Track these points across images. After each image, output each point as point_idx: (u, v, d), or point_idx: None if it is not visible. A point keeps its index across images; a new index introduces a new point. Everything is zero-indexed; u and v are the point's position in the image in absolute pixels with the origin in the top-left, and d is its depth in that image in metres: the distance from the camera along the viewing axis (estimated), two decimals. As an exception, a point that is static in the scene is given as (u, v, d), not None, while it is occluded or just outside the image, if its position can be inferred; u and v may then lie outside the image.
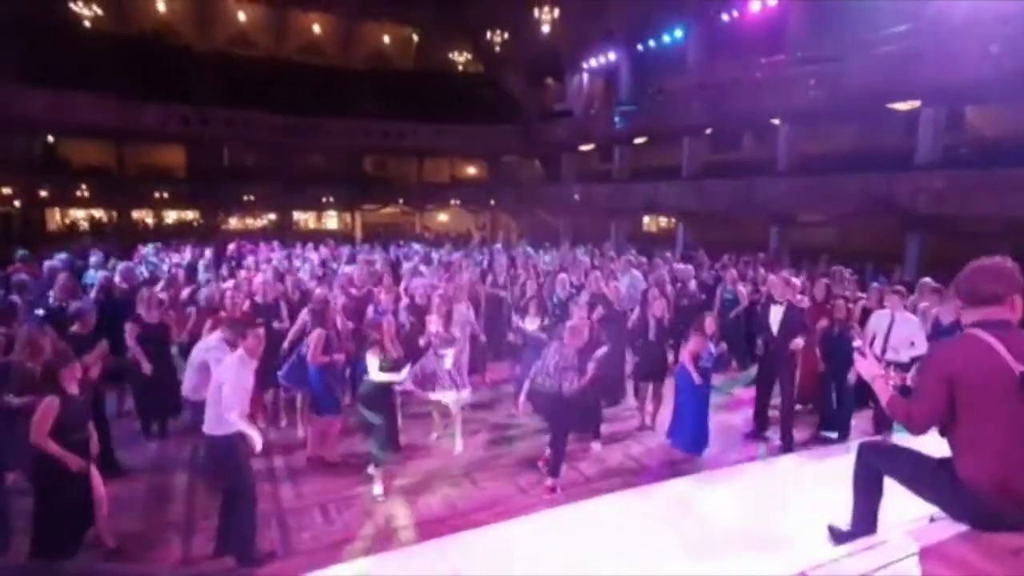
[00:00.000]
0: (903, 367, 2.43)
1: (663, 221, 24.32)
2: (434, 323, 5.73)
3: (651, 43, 20.95)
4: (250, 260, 10.49)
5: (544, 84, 27.85)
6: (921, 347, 5.28)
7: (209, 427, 3.71)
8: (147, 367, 5.43)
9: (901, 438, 2.78)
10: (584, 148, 24.51)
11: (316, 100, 23.98)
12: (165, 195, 23.39)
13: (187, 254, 12.05)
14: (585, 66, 24.40)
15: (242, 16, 27.38)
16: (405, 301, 6.84)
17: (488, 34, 27.26)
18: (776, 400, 6.02)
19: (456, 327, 6.05)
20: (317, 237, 18.25)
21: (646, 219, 24.82)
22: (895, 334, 5.49)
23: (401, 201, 27.51)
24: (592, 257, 12.24)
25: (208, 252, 11.57)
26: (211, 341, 4.80)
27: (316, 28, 28.71)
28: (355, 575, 3.23)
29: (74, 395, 3.62)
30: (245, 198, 24.39)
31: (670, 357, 6.57)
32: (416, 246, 15.66)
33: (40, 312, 5.72)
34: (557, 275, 8.04)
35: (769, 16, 16.69)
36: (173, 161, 24.73)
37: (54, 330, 4.70)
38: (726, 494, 2.61)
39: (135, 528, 4.19)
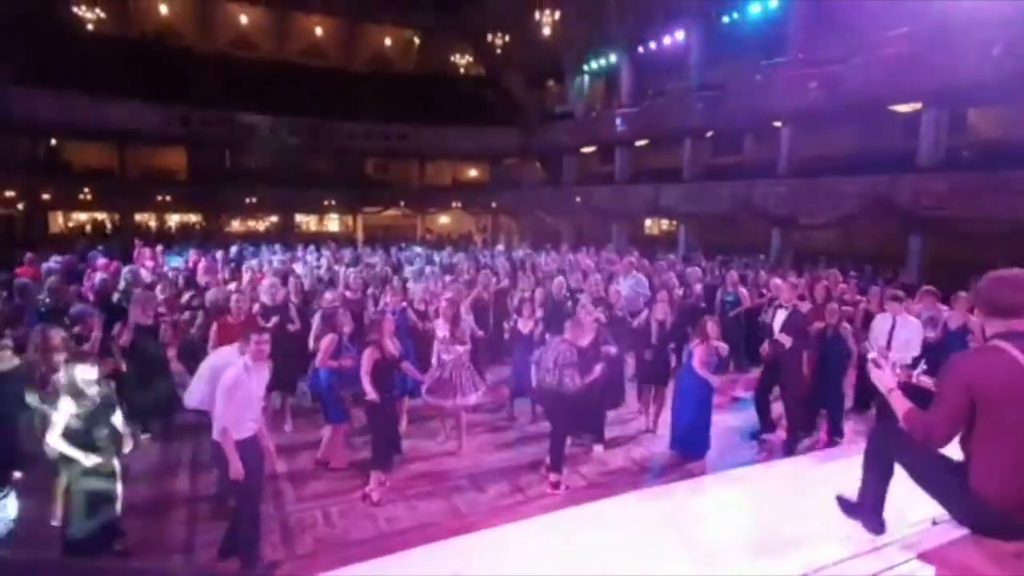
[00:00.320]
0: (907, 367, 2.40)
1: (665, 223, 24.32)
2: (441, 328, 5.69)
3: (652, 45, 20.96)
4: (253, 263, 10.50)
5: (545, 86, 27.88)
6: (917, 350, 5.28)
7: (215, 434, 3.72)
8: (121, 365, 5.37)
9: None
10: (585, 150, 24.53)
11: (318, 102, 24.02)
12: (167, 198, 23.43)
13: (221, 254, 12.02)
14: (586, 68, 24.43)
15: (244, 18, 27.47)
16: (403, 304, 6.84)
17: (489, 36, 27.30)
18: (777, 401, 6.03)
19: (463, 331, 5.99)
20: (319, 239, 18.28)
21: (648, 221, 24.82)
22: (897, 337, 5.49)
23: (402, 203, 27.53)
24: (595, 260, 12.24)
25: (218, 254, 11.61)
26: (226, 355, 4.58)
27: (318, 30, 28.78)
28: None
29: (91, 394, 3.63)
30: (247, 200, 24.42)
31: (672, 360, 6.55)
32: (418, 248, 15.68)
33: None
34: (554, 278, 8.05)
35: (770, 18, 16.70)
36: (175, 163, 24.78)
37: None
38: (728, 497, 2.60)
39: (139, 530, 4.19)
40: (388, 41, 30.37)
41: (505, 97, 28.31)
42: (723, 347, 5.56)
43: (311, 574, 3.07)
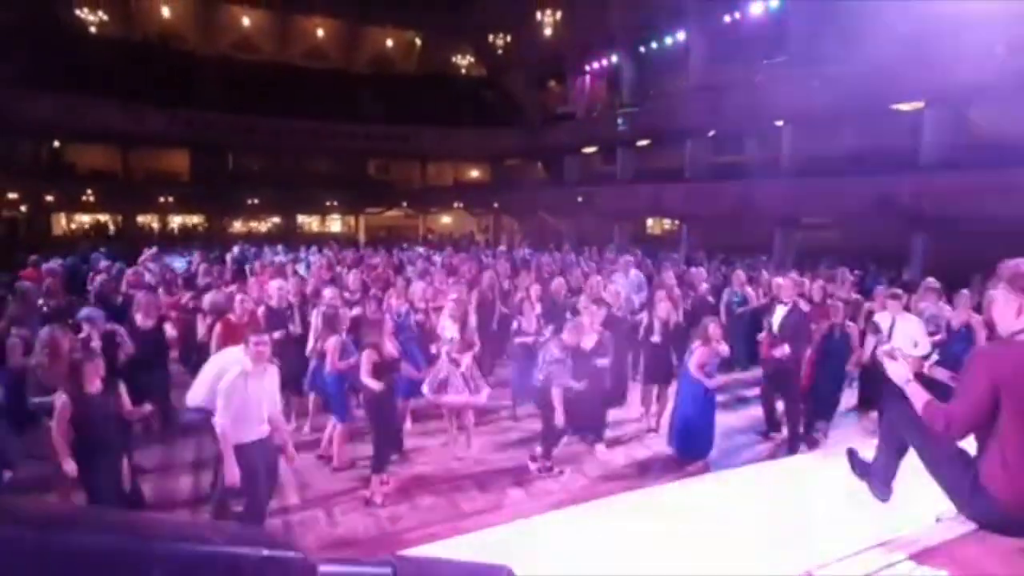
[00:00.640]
0: (919, 358, 2.36)
1: (667, 223, 24.30)
2: (449, 329, 5.67)
3: (653, 45, 20.95)
4: (256, 265, 10.51)
5: (547, 87, 27.88)
6: (924, 347, 5.27)
7: (219, 437, 3.73)
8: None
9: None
10: (587, 151, 24.52)
11: (320, 104, 24.06)
12: (170, 199, 23.51)
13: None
14: (587, 69, 24.43)
15: (246, 21, 27.53)
16: (406, 306, 6.83)
17: (491, 37, 27.34)
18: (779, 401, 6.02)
19: (471, 331, 5.96)
20: (321, 240, 18.31)
21: (650, 221, 24.80)
22: (897, 334, 5.48)
23: (404, 204, 27.57)
24: (593, 261, 12.23)
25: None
26: (231, 357, 4.55)
27: (319, 32, 28.83)
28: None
29: (95, 393, 3.63)
30: (249, 202, 24.48)
31: (674, 360, 6.55)
32: (420, 249, 15.69)
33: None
34: (554, 279, 8.05)
35: (771, 18, 16.68)
36: (178, 166, 24.86)
37: None
38: (730, 495, 2.60)
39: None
40: (389, 42, 30.41)
41: (506, 97, 28.33)
42: (724, 349, 5.54)
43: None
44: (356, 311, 6.59)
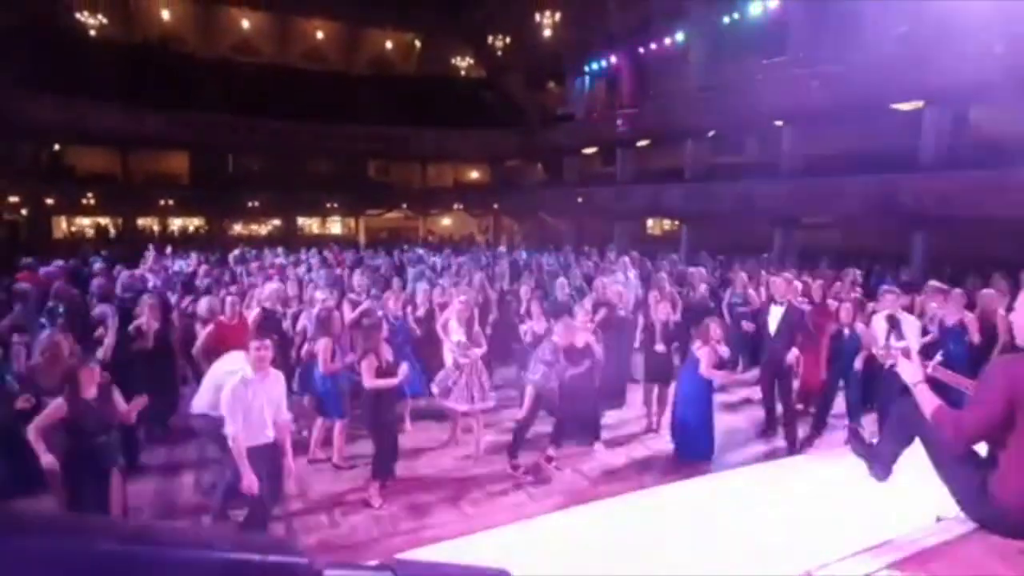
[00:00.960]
0: (923, 358, 2.33)
1: (666, 224, 24.30)
2: (456, 332, 5.66)
3: (652, 46, 20.95)
4: (254, 267, 10.53)
5: (546, 88, 27.90)
6: (916, 346, 5.28)
7: (231, 444, 3.73)
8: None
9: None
10: (587, 151, 24.53)
11: (319, 106, 24.08)
12: (170, 202, 23.52)
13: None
14: (587, 70, 24.44)
15: (245, 23, 27.56)
16: (402, 309, 6.82)
17: (490, 39, 27.35)
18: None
19: (478, 334, 5.89)
20: (321, 242, 18.31)
21: (650, 222, 24.79)
22: (895, 335, 5.48)
23: (404, 206, 27.57)
24: (593, 261, 12.24)
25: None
26: (234, 361, 4.53)
27: (319, 35, 28.87)
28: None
29: (90, 398, 3.63)
30: (249, 204, 24.49)
31: (675, 360, 6.56)
32: (420, 251, 15.70)
33: (42, 320, 5.77)
34: (556, 279, 8.05)
35: (770, 18, 16.69)
36: (178, 168, 24.87)
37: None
38: (730, 495, 2.60)
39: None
40: (389, 44, 30.44)
41: (506, 99, 28.35)
42: (724, 350, 5.55)
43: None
44: (365, 305, 6.61)
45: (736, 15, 17.68)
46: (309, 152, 25.34)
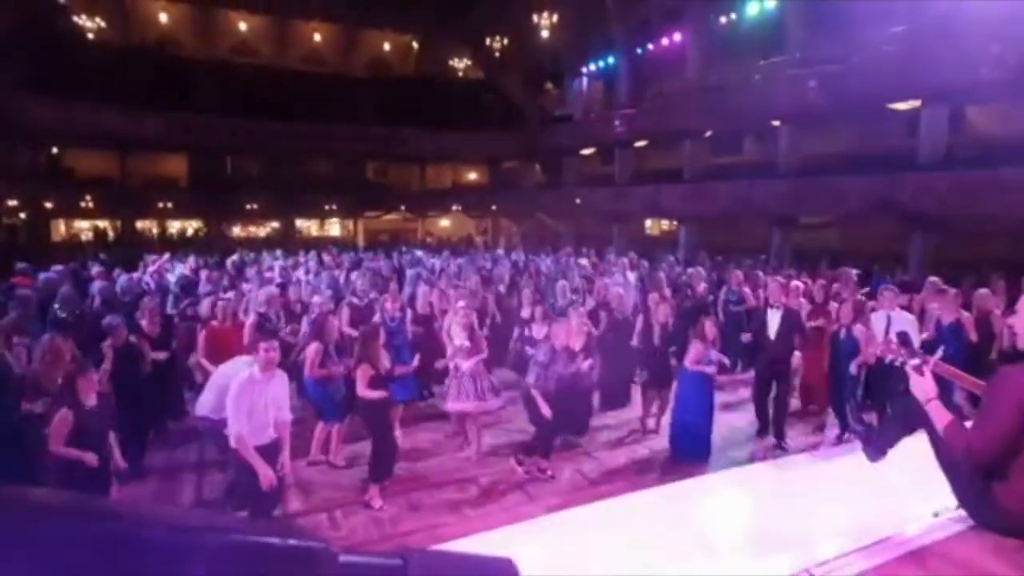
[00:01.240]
0: (924, 353, 2.31)
1: (665, 224, 24.34)
2: (458, 336, 5.65)
3: (650, 47, 21.01)
4: (251, 271, 10.51)
5: (544, 89, 27.93)
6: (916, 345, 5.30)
7: (231, 442, 3.74)
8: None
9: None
10: (585, 152, 24.56)
11: (317, 108, 24.08)
12: (169, 205, 23.50)
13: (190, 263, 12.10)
14: (585, 70, 24.49)
15: (243, 26, 27.58)
16: (400, 312, 6.82)
17: (488, 40, 27.39)
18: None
19: (480, 338, 5.86)
20: (320, 244, 18.31)
21: (648, 222, 24.84)
22: (893, 332, 5.50)
23: (403, 207, 27.58)
24: (592, 263, 12.24)
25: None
26: (238, 366, 4.55)
27: (317, 37, 28.89)
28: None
29: (91, 406, 3.63)
30: (248, 207, 24.48)
31: (674, 361, 6.57)
32: (419, 253, 15.70)
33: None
34: (556, 282, 8.05)
35: (767, 18, 16.74)
36: (176, 171, 24.86)
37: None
38: (728, 495, 2.61)
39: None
40: (387, 46, 30.48)
41: (504, 100, 28.37)
42: (715, 354, 5.56)
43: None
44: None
45: (734, 16, 17.74)
46: (307, 154, 25.35)
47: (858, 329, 6.05)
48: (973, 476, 1.96)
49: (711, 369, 5.43)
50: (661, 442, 5.88)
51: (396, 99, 26.14)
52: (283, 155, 24.79)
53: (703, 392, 5.42)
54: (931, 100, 13.02)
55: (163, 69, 23.08)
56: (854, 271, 8.43)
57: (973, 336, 5.58)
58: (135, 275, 9.08)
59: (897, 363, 2.29)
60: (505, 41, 26.92)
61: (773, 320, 5.84)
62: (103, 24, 23.58)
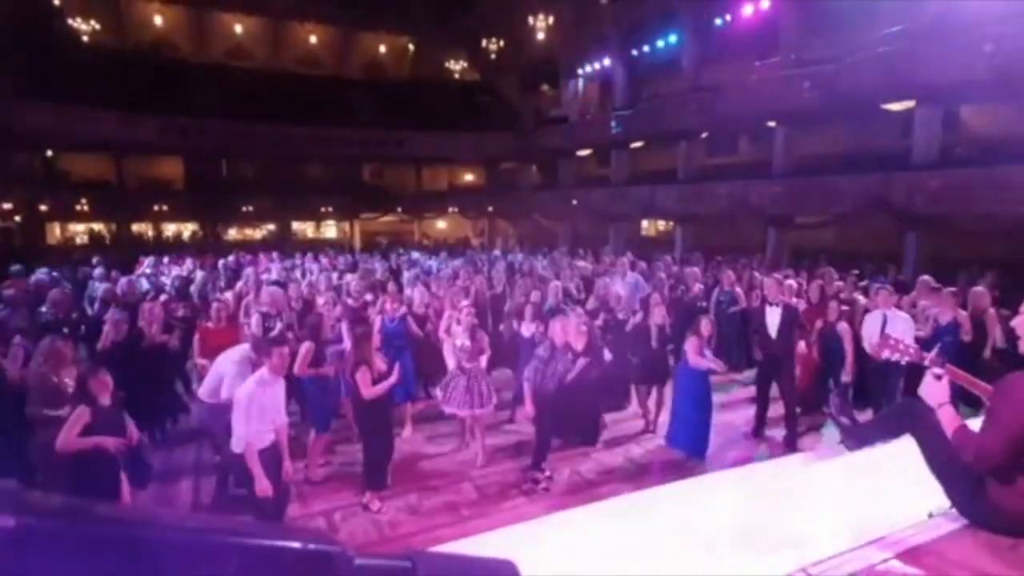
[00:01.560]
0: (920, 350, 2.31)
1: (661, 225, 24.39)
2: (459, 336, 5.63)
3: (645, 48, 21.07)
4: (249, 271, 10.50)
5: (540, 91, 27.97)
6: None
7: (234, 445, 3.74)
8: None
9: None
10: (581, 153, 24.60)
11: (313, 110, 24.07)
12: (164, 208, 23.44)
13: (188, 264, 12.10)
14: (580, 72, 24.53)
15: (239, 28, 27.55)
16: (400, 311, 6.83)
17: (484, 42, 27.42)
18: (776, 401, 6.06)
19: (481, 339, 5.81)
20: (316, 247, 18.29)
21: (644, 223, 24.88)
22: (888, 331, 5.53)
23: (399, 209, 27.58)
24: (589, 263, 12.26)
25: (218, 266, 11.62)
26: (235, 354, 4.70)
27: (312, 39, 28.88)
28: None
29: (105, 406, 3.62)
30: (244, 209, 24.45)
31: (671, 361, 6.59)
32: (416, 254, 15.70)
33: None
34: (550, 282, 8.07)
35: (762, 19, 16.80)
36: (172, 173, 24.82)
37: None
38: (726, 495, 2.63)
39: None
40: (382, 48, 30.48)
41: (500, 102, 28.40)
42: (708, 354, 5.58)
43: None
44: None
45: (728, 17, 17.79)
46: (303, 156, 25.33)
47: (842, 327, 6.09)
48: (966, 475, 1.98)
49: (709, 362, 5.44)
50: (658, 442, 5.89)
51: (392, 101, 26.15)
52: (279, 157, 24.77)
53: (701, 388, 5.44)
54: (925, 100, 13.09)
55: (158, 72, 23.05)
56: (830, 270, 8.47)
57: (969, 336, 5.60)
58: (134, 277, 9.08)
59: (894, 360, 2.31)
60: (501, 43, 26.96)
61: (772, 318, 5.85)
62: (98, 27, 23.52)
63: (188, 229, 25.79)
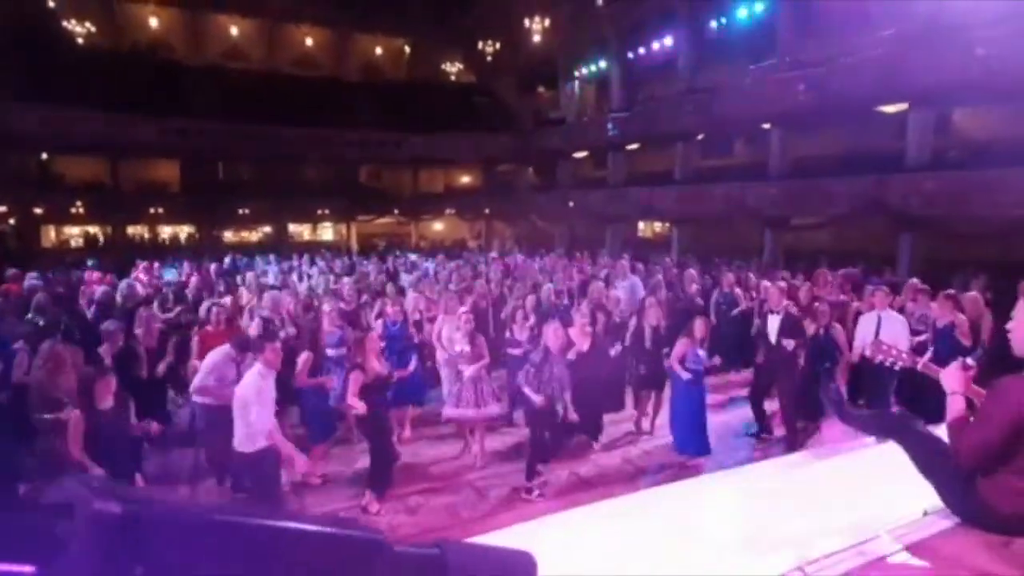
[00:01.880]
0: (914, 352, 2.33)
1: (658, 226, 24.44)
2: (459, 342, 5.63)
3: (642, 50, 21.15)
4: (249, 276, 10.48)
5: (537, 92, 28.01)
6: (905, 346, 5.34)
7: (239, 445, 3.74)
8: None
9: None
10: (578, 155, 24.64)
11: (310, 112, 24.01)
12: (160, 210, 23.37)
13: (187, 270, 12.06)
14: (577, 74, 24.58)
15: (234, 30, 27.50)
16: (401, 315, 6.82)
17: (480, 44, 27.46)
18: (774, 402, 6.09)
19: (481, 343, 5.78)
20: (313, 249, 18.27)
21: (641, 225, 24.93)
22: (883, 334, 5.56)
23: (396, 211, 27.56)
24: (587, 265, 12.28)
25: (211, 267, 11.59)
26: (216, 354, 4.77)
27: (308, 41, 28.84)
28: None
29: (107, 409, 3.62)
30: (240, 211, 24.38)
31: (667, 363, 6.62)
32: (412, 257, 15.70)
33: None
34: (543, 285, 8.08)
35: (757, 22, 16.89)
36: (168, 176, 24.73)
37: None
38: (723, 495, 2.65)
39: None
40: (379, 50, 30.47)
41: (497, 103, 28.41)
42: (703, 353, 5.60)
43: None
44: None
45: (724, 20, 17.88)
46: (300, 158, 25.28)
47: (835, 329, 6.13)
48: (955, 475, 2.01)
49: (693, 367, 5.44)
50: (656, 443, 5.92)
51: (389, 103, 26.14)
52: (275, 160, 24.71)
53: (692, 388, 5.46)
54: (918, 103, 13.17)
55: (154, 74, 22.98)
56: (827, 272, 8.51)
57: (968, 340, 5.60)
58: (132, 281, 9.06)
59: (887, 364, 2.34)
60: (498, 45, 27.00)
61: (773, 324, 5.88)
62: (93, 29, 23.46)
63: (184, 232, 25.71)
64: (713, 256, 13.79)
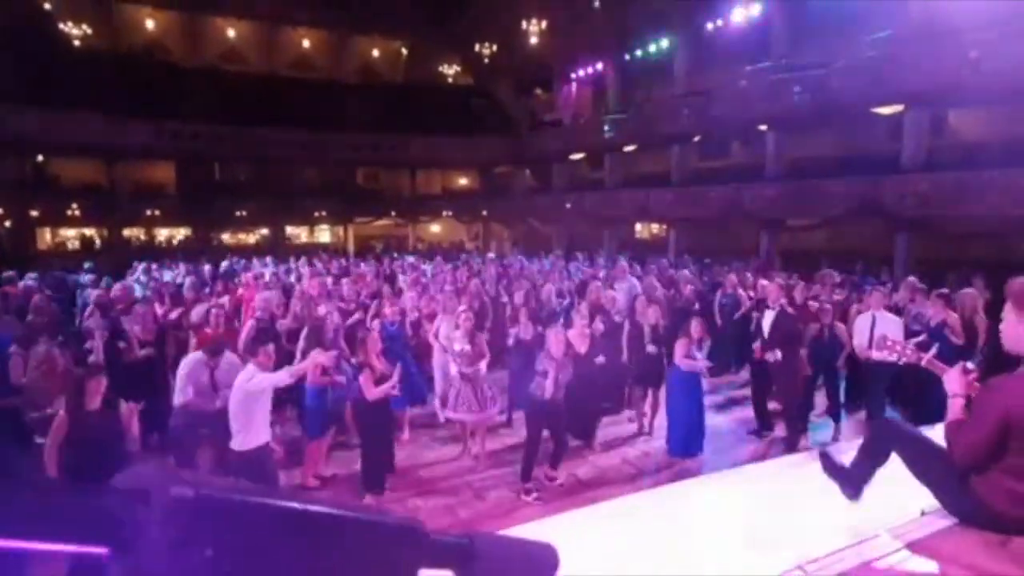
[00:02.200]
0: (917, 349, 2.35)
1: (655, 228, 24.49)
2: (459, 342, 5.63)
3: (638, 53, 21.20)
4: (247, 276, 10.46)
5: (534, 95, 28.04)
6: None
7: (237, 444, 3.75)
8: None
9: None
10: (575, 157, 24.68)
11: (307, 114, 23.99)
12: (157, 212, 23.30)
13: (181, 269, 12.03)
14: (574, 76, 24.63)
15: (232, 32, 27.45)
16: (399, 316, 6.83)
17: (477, 46, 27.47)
18: (773, 403, 6.10)
19: (480, 344, 5.80)
20: (310, 251, 18.25)
21: (638, 226, 24.97)
22: (878, 332, 5.58)
23: (394, 213, 27.55)
24: (585, 266, 12.30)
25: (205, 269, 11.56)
26: (190, 359, 4.79)
27: (306, 43, 28.82)
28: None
29: (94, 410, 3.60)
30: (237, 213, 24.32)
31: (665, 362, 6.62)
32: (410, 259, 15.68)
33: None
34: (543, 286, 8.09)
35: (753, 24, 16.95)
36: (164, 178, 24.65)
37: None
38: (724, 494, 2.66)
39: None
40: (376, 52, 30.46)
41: (494, 106, 28.44)
42: (699, 354, 5.61)
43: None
44: (355, 317, 6.62)
45: (720, 22, 17.94)
46: (297, 161, 25.25)
47: (839, 328, 6.16)
48: (950, 476, 2.03)
49: (699, 364, 5.47)
50: (654, 444, 5.93)
51: (386, 105, 26.14)
52: (272, 161, 24.67)
53: (691, 387, 5.48)
54: (913, 104, 13.24)
55: (151, 76, 22.93)
56: (833, 272, 8.53)
57: (960, 339, 5.64)
58: (128, 282, 9.04)
59: (891, 360, 2.36)
60: (494, 47, 27.01)
61: (767, 321, 5.91)
62: (90, 31, 23.38)
63: (180, 234, 25.63)
64: (708, 257, 13.82)
